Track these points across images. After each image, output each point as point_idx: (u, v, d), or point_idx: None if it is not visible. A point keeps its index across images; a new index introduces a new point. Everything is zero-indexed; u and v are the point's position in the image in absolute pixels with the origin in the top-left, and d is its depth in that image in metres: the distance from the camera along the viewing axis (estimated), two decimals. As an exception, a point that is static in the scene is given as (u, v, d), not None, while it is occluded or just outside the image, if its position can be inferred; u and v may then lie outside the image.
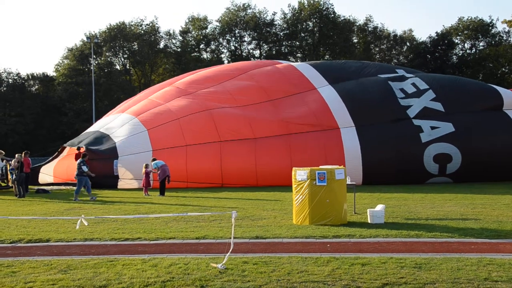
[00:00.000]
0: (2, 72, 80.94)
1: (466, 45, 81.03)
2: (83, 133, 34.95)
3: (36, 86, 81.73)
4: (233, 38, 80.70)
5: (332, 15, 79.01)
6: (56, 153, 34.74)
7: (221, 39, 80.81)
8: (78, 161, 25.10)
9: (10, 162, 28.41)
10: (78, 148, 30.37)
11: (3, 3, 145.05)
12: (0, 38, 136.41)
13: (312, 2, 78.82)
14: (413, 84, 32.38)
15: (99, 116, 46.68)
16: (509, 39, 79.91)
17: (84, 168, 24.72)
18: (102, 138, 31.20)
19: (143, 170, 25.99)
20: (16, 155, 27.83)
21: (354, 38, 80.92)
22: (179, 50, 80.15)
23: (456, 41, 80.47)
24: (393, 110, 30.84)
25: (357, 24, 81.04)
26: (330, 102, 30.75)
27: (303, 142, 28.83)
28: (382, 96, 31.51)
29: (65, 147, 34.93)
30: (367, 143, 28.96)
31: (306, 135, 29.14)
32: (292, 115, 30.19)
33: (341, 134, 29.18)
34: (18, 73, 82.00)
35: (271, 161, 28.38)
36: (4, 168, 28.21)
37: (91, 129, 34.31)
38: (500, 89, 33.80)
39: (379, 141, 29.09)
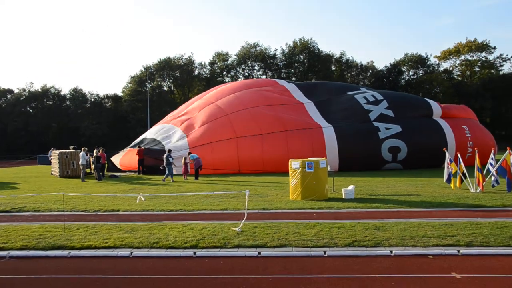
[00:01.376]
0: (87, 93, 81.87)
1: (410, 72, 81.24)
2: (141, 137, 34.86)
3: (109, 103, 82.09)
4: (247, 67, 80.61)
5: (317, 51, 78.81)
6: (123, 150, 34.90)
7: (238, 68, 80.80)
8: (166, 155, 25.31)
9: (92, 155, 28.59)
10: (139, 147, 30.51)
11: (87, 48, 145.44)
12: (87, 70, 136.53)
13: (302, 41, 78.89)
14: (372, 96, 32.49)
15: (152, 123, 46.67)
16: (439, 68, 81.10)
17: (170, 160, 25.08)
18: (155, 141, 31.38)
19: (183, 161, 26.06)
20: (95, 151, 28.03)
21: (332, 67, 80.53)
22: (208, 76, 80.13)
23: (404, 69, 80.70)
24: (359, 113, 30.85)
25: (335, 57, 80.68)
26: (311, 112, 30.86)
27: (296, 136, 28.59)
28: (350, 105, 31.61)
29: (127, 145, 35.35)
30: (341, 138, 28.83)
31: (298, 131, 28.95)
32: (287, 116, 30.02)
33: (323, 131, 29.10)
34: (98, 94, 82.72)
35: (273, 151, 28.19)
36: (88, 160, 28.34)
37: (147, 135, 34.16)
38: (430, 101, 34.11)
39: (350, 138, 28.95)
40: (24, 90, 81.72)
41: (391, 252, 8.89)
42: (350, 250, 9.06)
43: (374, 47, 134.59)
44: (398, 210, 13.56)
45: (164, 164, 25.43)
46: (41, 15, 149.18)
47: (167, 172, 25.12)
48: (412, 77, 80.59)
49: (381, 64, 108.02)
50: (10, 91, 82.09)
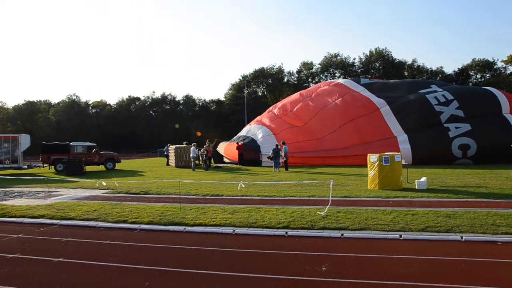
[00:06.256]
0: (196, 99, 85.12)
1: (477, 76, 76.08)
2: (238, 134, 35.45)
3: (214, 106, 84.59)
4: (329, 74, 79.54)
5: (391, 58, 76.33)
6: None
7: (321, 75, 79.92)
8: (276, 149, 25.39)
9: (201, 149, 29.59)
10: (238, 143, 31.14)
11: (197, 61, 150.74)
12: (198, 80, 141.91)
13: (378, 50, 76.72)
14: (443, 95, 30.05)
15: (248, 122, 47.47)
16: (506, 72, 74.93)
17: (281, 153, 25.43)
18: (250, 138, 31.73)
19: (271, 154, 25.96)
20: (204, 146, 29.00)
21: (405, 72, 77.27)
22: (295, 82, 79.94)
23: (471, 73, 75.84)
24: (430, 116, 28.75)
25: (407, 63, 77.54)
26: (386, 118, 29.20)
27: (374, 146, 26.93)
28: (422, 108, 29.35)
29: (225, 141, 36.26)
30: (414, 141, 27.39)
31: (375, 142, 27.71)
32: (366, 130, 28.82)
33: (398, 140, 27.75)
34: (205, 99, 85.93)
35: (354, 159, 26.98)
36: (197, 153, 29.33)
37: (242, 133, 34.71)
38: (497, 94, 30.63)
39: (422, 145, 27.25)
40: (148, 97, 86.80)
41: (462, 237, 8.42)
42: (423, 235, 8.69)
43: (443, 53, 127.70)
44: (468, 200, 12.76)
45: (271, 155, 25.57)
46: (162, 37, 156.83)
47: (274, 164, 25.28)
48: (479, 80, 75.42)
49: (450, 69, 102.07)
50: (138, 99, 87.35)
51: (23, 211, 12.44)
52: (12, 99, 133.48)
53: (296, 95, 36.70)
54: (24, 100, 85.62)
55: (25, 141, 29.20)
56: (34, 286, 6.29)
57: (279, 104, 36.58)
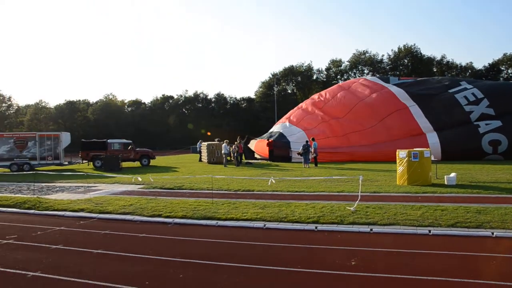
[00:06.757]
0: (227, 97, 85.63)
1: (509, 71, 73.14)
2: (269, 131, 35.60)
3: (245, 104, 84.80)
4: (358, 71, 78.49)
5: (420, 55, 74.60)
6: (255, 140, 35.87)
7: (350, 72, 78.94)
8: (306, 145, 25.47)
9: (232, 146, 29.79)
10: (268, 139, 31.20)
11: (227, 59, 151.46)
12: (228, 80, 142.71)
13: (406, 47, 75.18)
14: (473, 94, 29.12)
15: (279, 119, 47.45)
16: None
17: (310, 149, 25.43)
18: (281, 135, 31.82)
19: (300, 150, 26.01)
20: (235, 142, 29.18)
21: (434, 68, 75.29)
22: (324, 80, 79.24)
23: (502, 68, 73.02)
24: (459, 117, 27.98)
25: (436, 59, 75.59)
26: (416, 116, 28.48)
27: (402, 143, 26.23)
28: (451, 109, 28.47)
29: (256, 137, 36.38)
30: (444, 139, 26.71)
31: (403, 140, 26.82)
32: (394, 127, 28.32)
33: (427, 137, 27.08)
34: (235, 97, 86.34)
35: (382, 155, 26.69)
36: (228, 149, 29.54)
37: (273, 129, 34.85)
38: None
39: (452, 142, 26.56)
40: (181, 96, 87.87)
41: (493, 233, 8.25)
42: (453, 230, 8.56)
43: (473, 48, 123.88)
44: (498, 196, 12.44)
45: (301, 151, 25.59)
46: (193, 38, 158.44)
47: (303, 160, 25.26)
48: (511, 75, 72.61)
49: (480, 64, 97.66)
50: (171, 97, 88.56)
51: (65, 205, 12.92)
52: (54, 99, 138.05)
53: (334, 88, 36.36)
54: (65, 100, 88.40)
55: (65, 138, 30.19)
56: (76, 275, 6.56)
57: (319, 93, 36.64)
